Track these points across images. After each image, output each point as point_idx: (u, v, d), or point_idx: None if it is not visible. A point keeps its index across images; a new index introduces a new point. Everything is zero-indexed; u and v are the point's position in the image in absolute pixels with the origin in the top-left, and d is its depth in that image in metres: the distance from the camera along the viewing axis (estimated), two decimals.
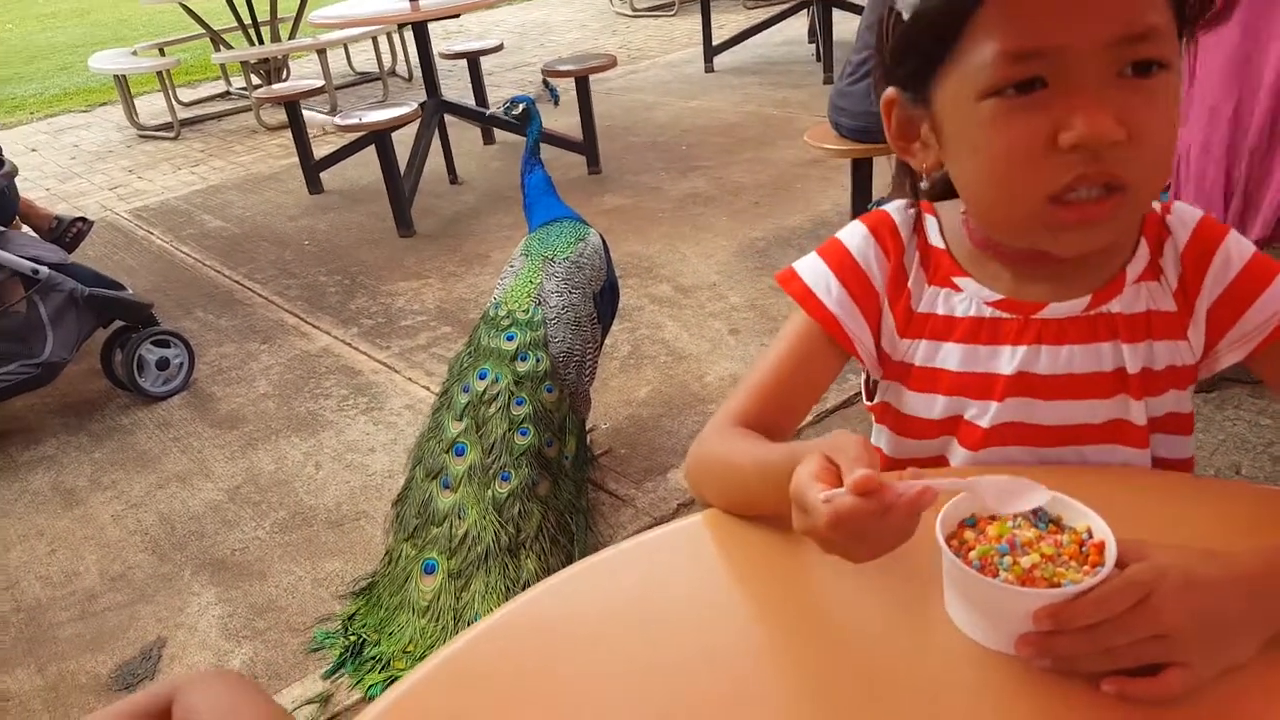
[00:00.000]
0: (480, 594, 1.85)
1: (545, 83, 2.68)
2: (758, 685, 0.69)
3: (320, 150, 4.89)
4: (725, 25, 7.11)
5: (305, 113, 4.72)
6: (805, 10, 6.39)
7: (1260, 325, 0.83)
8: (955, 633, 0.69)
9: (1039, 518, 0.70)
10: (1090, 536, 0.67)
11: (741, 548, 0.84)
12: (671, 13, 8.54)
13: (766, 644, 0.74)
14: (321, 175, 4.84)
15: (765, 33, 6.31)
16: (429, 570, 1.89)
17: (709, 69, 6.28)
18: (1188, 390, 0.89)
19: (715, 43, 6.26)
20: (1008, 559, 0.66)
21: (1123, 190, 0.73)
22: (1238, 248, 0.85)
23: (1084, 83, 0.70)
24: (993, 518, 0.70)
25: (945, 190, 0.90)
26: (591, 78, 4.46)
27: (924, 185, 0.88)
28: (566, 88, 4.94)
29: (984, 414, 0.89)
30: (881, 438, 1.00)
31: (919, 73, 0.79)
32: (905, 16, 0.77)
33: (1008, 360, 0.87)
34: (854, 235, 0.94)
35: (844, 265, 0.92)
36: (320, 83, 5.09)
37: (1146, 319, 0.86)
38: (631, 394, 2.71)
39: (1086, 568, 0.65)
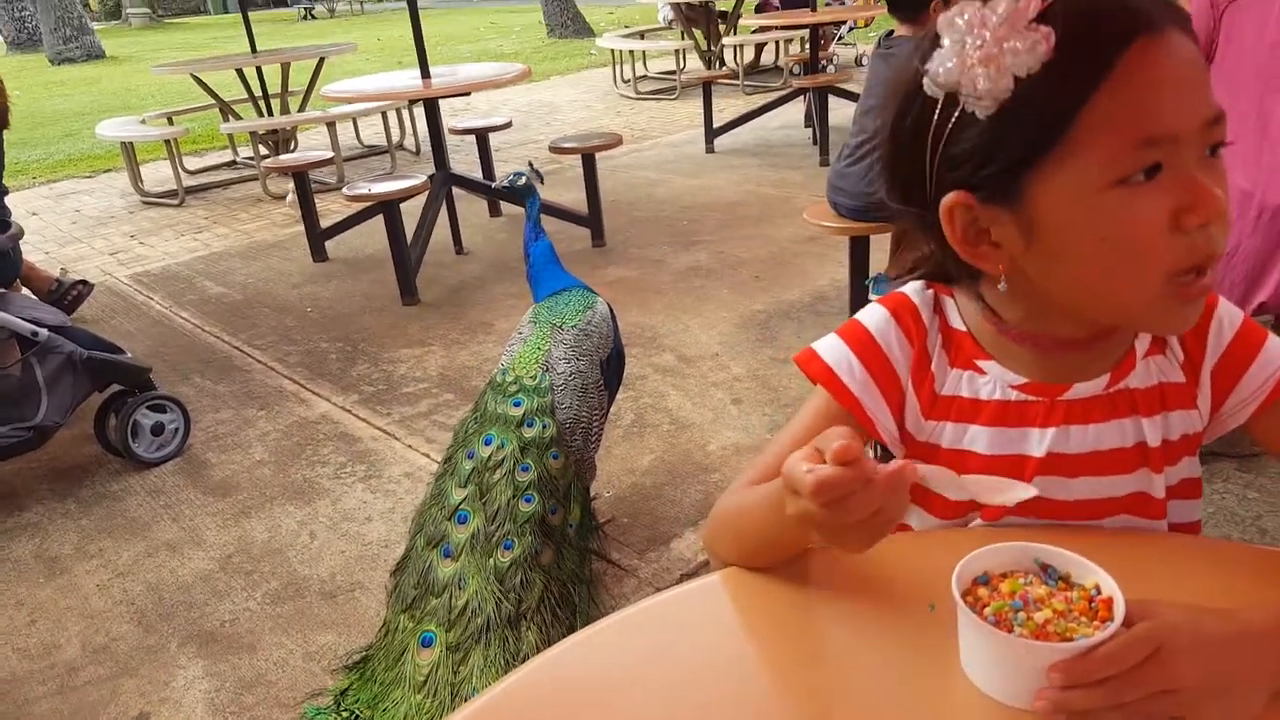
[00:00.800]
0: (479, 668, 1.77)
1: (530, 164, 2.74)
2: None
3: (326, 220, 4.93)
4: (725, 109, 7.25)
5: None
6: (801, 96, 6.55)
7: (1258, 389, 0.86)
8: (972, 689, 0.69)
9: (1049, 575, 0.72)
10: (1099, 593, 0.69)
11: (756, 605, 0.83)
12: (673, 96, 8.73)
13: (782, 702, 0.73)
14: (326, 244, 4.87)
15: (763, 117, 6.45)
16: (426, 643, 1.82)
17: (710, 149, 6.39)
18: (1196, 455, 0.91)
19: (716, 125, 6.38)
20: (1022, 614, 0.67)
21: (1213, 262, 0.74)
22: (1228, 313, 0.88)
23: (1190, 165, 0.71)
24: (1003, 575, 0.71)
25: (941, 273, 0.91)
26: (597, 156, 4.52)
27: (1002, 287, 0.82)
28: (573, 165, 5.01)
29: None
30: (912, 517, 0.98)
31: (1005, 173, 0.75)
32: (982, 115, 0.72)
33: (1037, 442, 0.87)
34: (874, 317, 0.93)
35: (865, 347, 0.91)
36: (329, 154, 5.15)
37: (1160, 392, 0.87)
38: (634, 463, 2.67)
39: (1096, 623, 0.66)
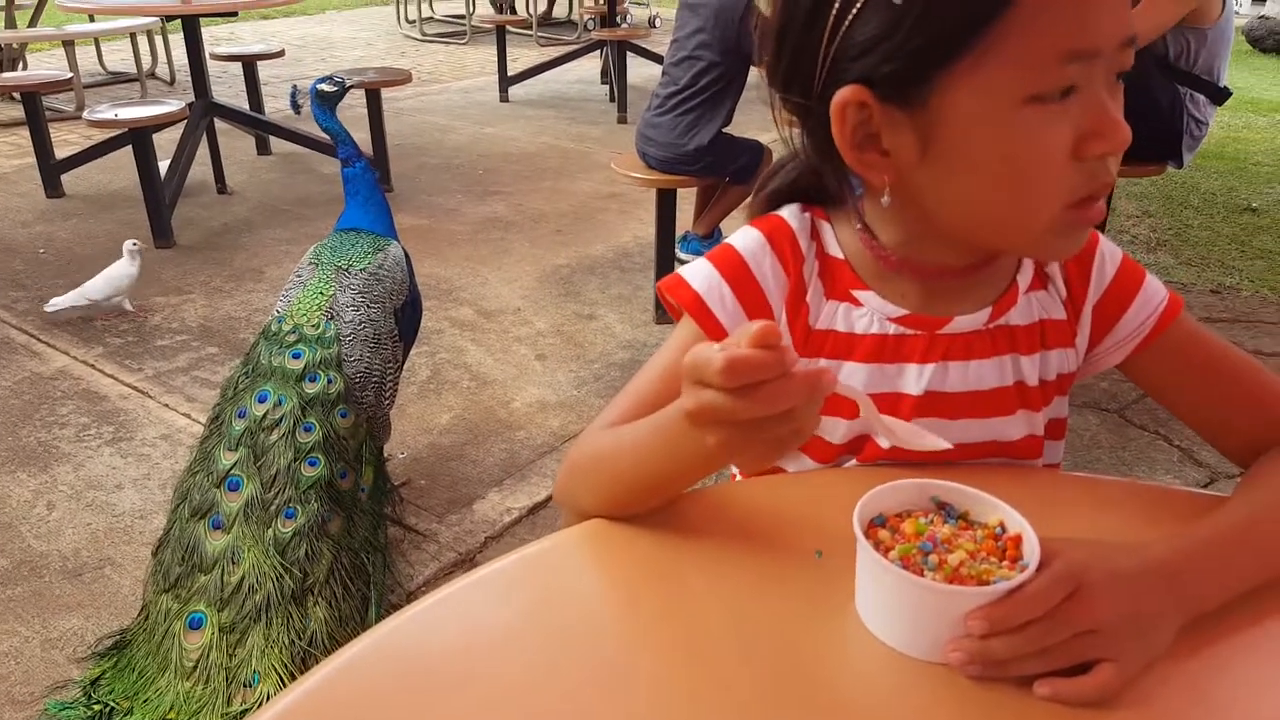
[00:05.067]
0: (259, 650, 1.58)
1: (294, 89, 2.39)
2: (656, 703, 0.59)
3: (62, 150, 4.34)
4: (518, 59, 7.03)
5: None
6: (598, 51, 6.45)
7: (1138, 328, 0.84)
8: (868, 640, 0.63)
9: (948, 514, 0.66)
10: (1004, 530, 0.64)
11: (625, 559, 0.73)
12: (463, 41, 8.38)
13: (661, 658, 0.64)
14: (63, 178, 4.28)
15: (558, 70, 6.31)
16: (195, 625, 1.60)
17: (504, 99, 6.17)
18: (1066, 395, 0.88)
19: (510, 74, 6.16)
20: (933, 557, 0.61)
21: (1106, 191, 0.71)
22: (1110, 250, 0.86)
23: (1101, 88, 0.66)
24: (899, 516, 0.66)
25: (809, 192, 0.85)
26: (383, 94, 4.21)
27: (885, 200, 0.75)
28: (353, 103, 4.65)
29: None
30: (787, 461, 0.90)
31: (911, 71, 0.67)
32: (899, 1, 0.64)
33: (915, 379, 0.82)
34: (748, 241, 0.84)
35: (738, 273, 0.83)
36: (66, 74, 4.50)
37: (1040, 329, 0.84)
38: (431, 421, 2.50)
39: (1007, 564, 0.61)
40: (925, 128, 0.69)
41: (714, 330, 0.81)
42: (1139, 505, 0.81)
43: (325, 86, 2.31)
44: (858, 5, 0.66)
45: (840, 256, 0.83)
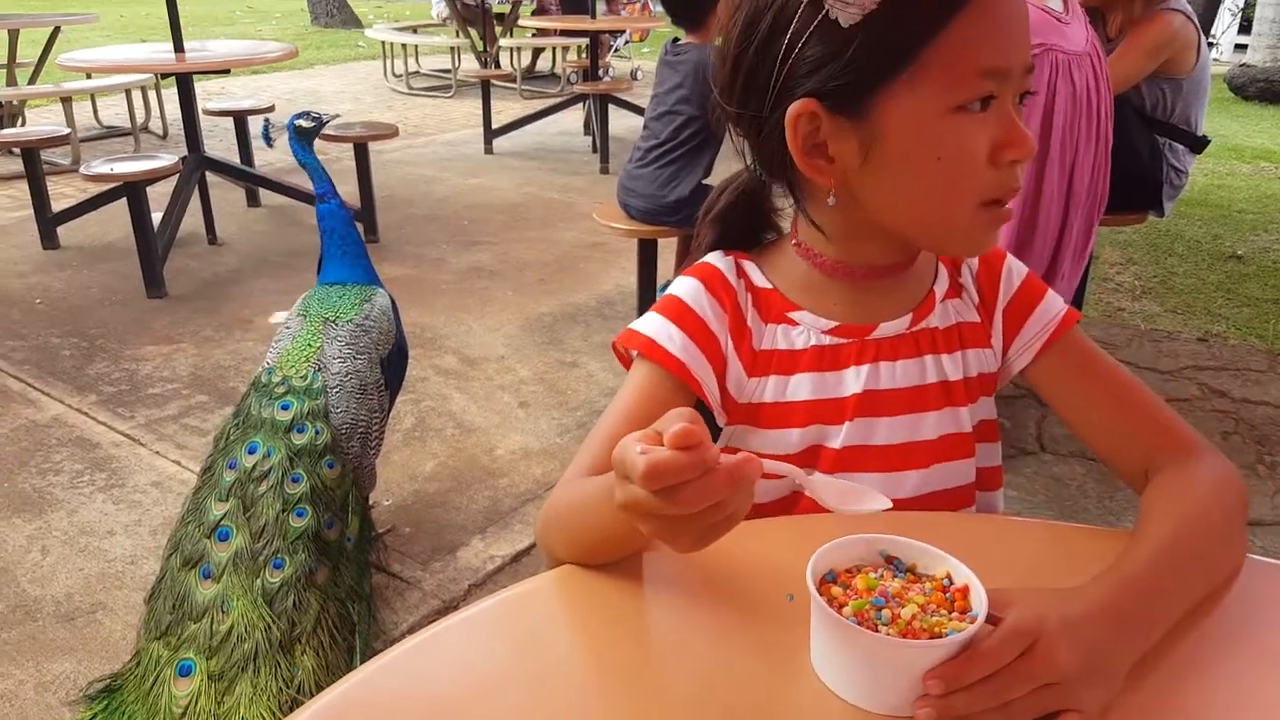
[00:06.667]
0: (247, 698, 1.62)
1: (266, 122, 2.44)
2: None
3: (59, 203, 4.42)
4: (503, 112, 7.16)
5: None
6: (580, 104, 6.60)
7: (1039, 332, 0.94)
8: (829, 695, 0.65)
9: (896, 567, 0.69)
10: (951, 582, 0.66)
11: (594, 606, 0.76)
12: (449, 94, 8.53)
13: (627, 708, 0.67)
14: (59, 230, 4.36)
15: (541, 122, 6.42)
16: (184, 673, 1.64)
17: (488, 150, 6.29)
18: (992, 397, 0.97)
19: (494, 126, 6.29)
20: (886, 612, 0.63)
21: (1013, 195, 0.81)
22: (1016, 265, 0.98)
23: (1009, 104, 0.78)
24: (849, 571, 0.68)
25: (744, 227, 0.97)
26: (370, 147, 4.32)
27: (831, 201, 0.85)
28: (341, 155, 4.76)
29: (836, 437, 0.91)
30: None
31: (857, 85, 0.77)
32: (845, 23, 0.74)
33: (853, 381, 0.91)
34: (685, 287, 0.94)
35: (681, 314, 0.92)
36: (64, 130, 4.60)
37: (958, 330, 0.94)
38: (416, 469, 2.56)
39: (957, 615, 0.63)
40: (867, 136, 0.79)
41: (669, 363, 0.89)
42: (1071, 546, 0.85)
43: (303, 122, 2.38)
44: (810, 29, 0.76)
45: (769, 286, 0.94)
